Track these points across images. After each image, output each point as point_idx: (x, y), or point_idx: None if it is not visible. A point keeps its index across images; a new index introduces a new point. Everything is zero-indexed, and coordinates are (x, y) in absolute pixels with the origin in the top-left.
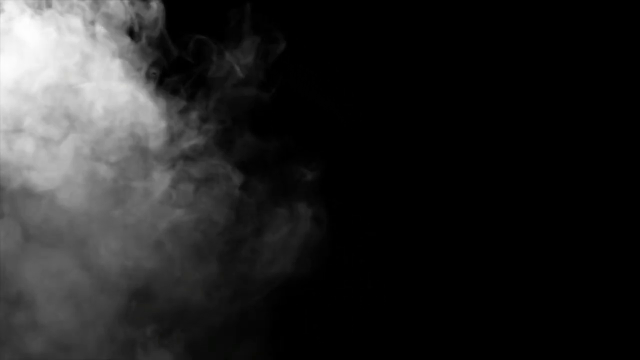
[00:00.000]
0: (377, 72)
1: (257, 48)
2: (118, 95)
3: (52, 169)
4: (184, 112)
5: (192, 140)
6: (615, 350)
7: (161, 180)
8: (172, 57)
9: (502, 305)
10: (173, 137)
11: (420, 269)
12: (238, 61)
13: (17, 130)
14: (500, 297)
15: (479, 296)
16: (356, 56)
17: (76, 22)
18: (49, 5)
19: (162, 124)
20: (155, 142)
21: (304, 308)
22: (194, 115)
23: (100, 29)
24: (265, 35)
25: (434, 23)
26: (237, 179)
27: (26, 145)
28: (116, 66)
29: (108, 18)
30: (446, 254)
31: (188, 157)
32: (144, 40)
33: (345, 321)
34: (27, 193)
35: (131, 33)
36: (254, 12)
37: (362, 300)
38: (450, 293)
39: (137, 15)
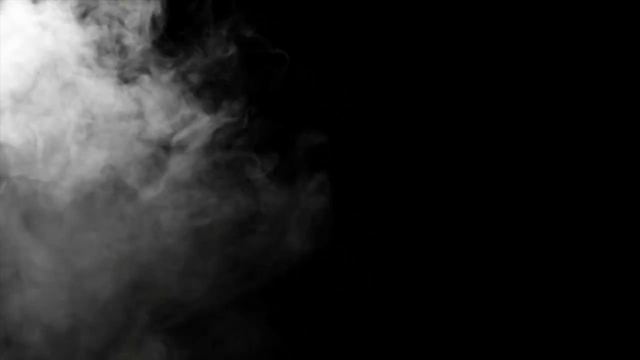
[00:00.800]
0: (376, 72)
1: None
2: (121, 88)
3: (56, 159)
4: (186, 101)
5: (196, 128)
6: (615, 350)
7: (162, 168)
8: (175, 50)
9: (502, 305)
10: (178, 125)
11: (420, 269)
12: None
13: (20, 123)
14: (499, 297)
15: (479, 296)
16: (356, 57)
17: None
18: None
19: (166, 113)
20: (159, 132)
21: (304, 308)
22: (197, 104)
23: (102, 25)
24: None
25: (433, 23)
26: (236, 174)
27: (30, 138)
28: (118, 62)
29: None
30: (446, 254)
31: (191, 145)
32: (148, 36)
33: (345, 321)
34: (31, 183)
35: (133, 30)
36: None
37: (362, 300)
38: (449, 293)
39: (138, 13)
